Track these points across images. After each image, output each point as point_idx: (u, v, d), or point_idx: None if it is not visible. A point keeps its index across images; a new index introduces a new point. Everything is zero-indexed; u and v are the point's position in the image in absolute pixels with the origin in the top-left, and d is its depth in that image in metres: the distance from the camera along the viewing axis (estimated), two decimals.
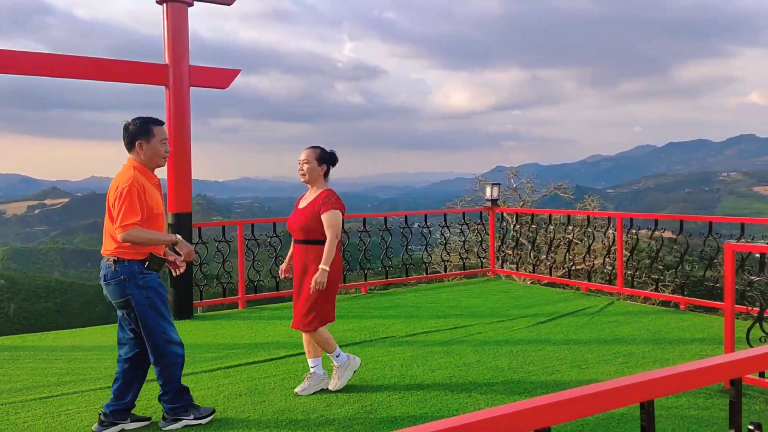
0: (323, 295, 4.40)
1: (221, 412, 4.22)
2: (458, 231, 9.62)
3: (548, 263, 9.04)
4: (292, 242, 4.66)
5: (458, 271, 9.58)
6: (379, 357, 5.39)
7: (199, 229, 7.52)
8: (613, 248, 7.73)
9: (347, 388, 4.59)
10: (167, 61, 7.00)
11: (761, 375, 4.16)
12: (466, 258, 9.48)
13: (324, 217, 4.35)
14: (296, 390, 4.56)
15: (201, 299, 7.56)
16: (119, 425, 3.96)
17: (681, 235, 6.97)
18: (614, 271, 7.69)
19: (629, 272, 7.50)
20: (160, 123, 3.96)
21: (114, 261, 3.78)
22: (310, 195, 4.56)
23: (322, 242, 4.37)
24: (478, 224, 9.58)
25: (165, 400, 3.96)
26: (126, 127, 3.89)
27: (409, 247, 8.98)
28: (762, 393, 4.24)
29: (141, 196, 3.71)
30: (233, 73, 7.45)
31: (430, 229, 9.14)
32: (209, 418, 4.02)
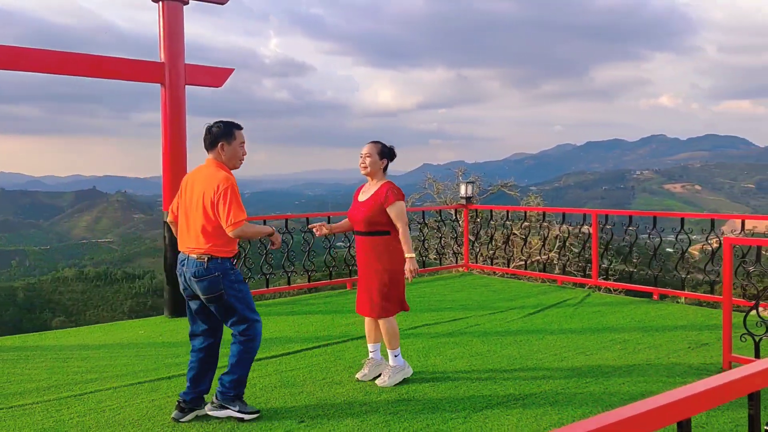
0: (398, 282, 4.66)
1: (263, 403, 4.37)
2: (435, 228, 9.95)
3: (506, 257, 9.63)
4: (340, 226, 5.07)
5: (436, 267, 9.92)
6: None
7: None
8: (588, 244, 8.26)
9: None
10: (163, 59, 7.00)
11: (756, 355, 4.69)
12: (442, 254, 9.85)
13: (391, 210, 4.56)
14: (357, 376, 4.81)
15: None
16: (196, 411, 4.13)
17: (655, 230, 7.56)
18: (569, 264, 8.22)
19: (604, 265, 8.05)
20: (241, 127, 4.15)
21: (207, 259, 3.97)
22: (370, 188, 4.74)
23: (384, 233, 4.60)
24: (453, 221, 10.00)
25: (224, 383, 4.07)
26: (209, 129, 4.08)
27: None
28: None
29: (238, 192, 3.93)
30: (227, 72, 7.51)
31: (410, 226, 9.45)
32: (253, 416, 4.09)
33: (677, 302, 7.86)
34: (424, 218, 9.78)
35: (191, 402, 4.11)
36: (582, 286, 8.51)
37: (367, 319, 4.91)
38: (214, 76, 7.41)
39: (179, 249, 4.22)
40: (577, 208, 8.88)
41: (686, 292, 7.42)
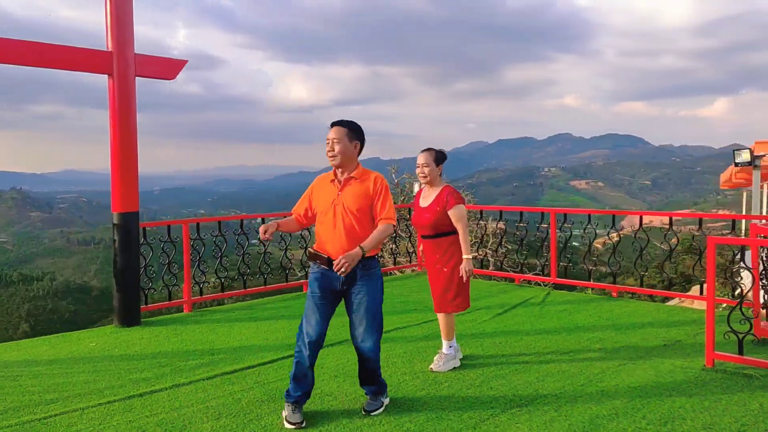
0: (464, 281, 4.93)
1: (255, 419, 4.07)
2: None
3: None
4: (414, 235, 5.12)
5: (389, 267, 9.77)
6: None
7: (144, 229, 7.02)
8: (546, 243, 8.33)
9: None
10: (110, 48, 6.46)
11: (740, 352, 4.81)
12: (396, 253, 9.71)
13: (452, 213, 4.81)
14: (432, 367, 4.99)
15: (146, 304, 7.07)
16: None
17: (613, 229, 7.71)
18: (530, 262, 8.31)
19: (563, 263, 8.14)
20: (331, 125, 4.06)
21: None
22: (430, 193, 4.98)
23: (450, 233, 4.88)
24: (407, 220, 9.88)
25: (375, 383, 4.17)
26: None
27: None
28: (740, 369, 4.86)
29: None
30: (180, 64, 7.03)
31: None
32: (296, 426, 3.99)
33: (633, 298, 8.04)
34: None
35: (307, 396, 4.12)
36: (539, 284, 8.57)
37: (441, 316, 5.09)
38: (167, 67, 6.92)
39: None
40: (536, 207, 8.97)
41: (656, 290, 7.62)
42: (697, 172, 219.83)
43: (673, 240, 7.49)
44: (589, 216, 8.04)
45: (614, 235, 7.99)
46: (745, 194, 19.45)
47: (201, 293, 7.54)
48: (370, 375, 4.15)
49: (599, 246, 13.17)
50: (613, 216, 8.04)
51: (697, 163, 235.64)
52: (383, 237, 3.97)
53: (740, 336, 4.85)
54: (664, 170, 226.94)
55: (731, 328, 4.89)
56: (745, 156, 9.79)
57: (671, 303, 10.65)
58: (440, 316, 5.11)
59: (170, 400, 4.44)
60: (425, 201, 5.01)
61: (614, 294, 7.71)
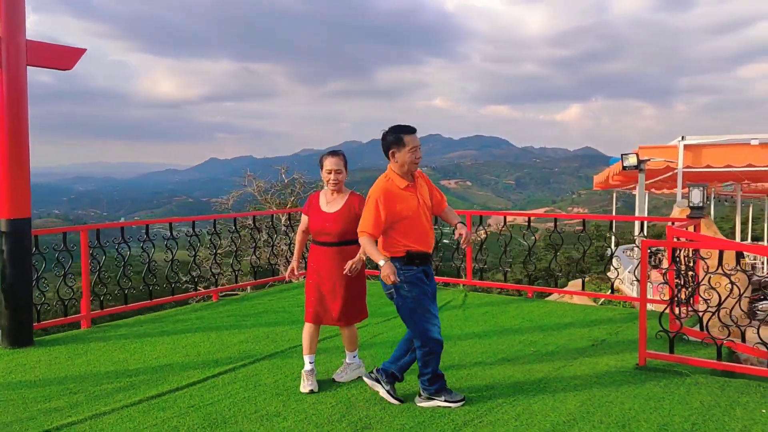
0: (364, 290, 4.79)
1: None
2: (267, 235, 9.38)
3: None
4: (309, 243, 4.88)
5: (267, 278, 9.17)
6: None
7: (36, 237, 6.24)
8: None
9: (334, 392, 4.35)
10: None
11: (671, 351, 5.03)
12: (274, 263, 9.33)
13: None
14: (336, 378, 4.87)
15: (38, 321, 6.30)
16: (379, 385, 4.42)
17: (529, 231, 7.89)
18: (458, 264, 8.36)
19: (477, 265, 8.23)
20: (411, 131, 4.26)
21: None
22: (336, 199, 4.69)
23: (356, 242, 4.44)
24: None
25: (423, 381, 4.31)
26: (383, 137, 4.29)
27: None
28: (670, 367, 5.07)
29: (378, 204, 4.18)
30: (79, 53, 6.31)
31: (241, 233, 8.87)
32: (461, 404, 4.27)
33: (547, 299, 8.30)
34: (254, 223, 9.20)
35: (380, 372, 4.46)
36: (455, 286, 8.61)
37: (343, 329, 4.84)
38: (63, 56, 6.19)
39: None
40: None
41: (574, 290, 7.86)
42: (555, 172, 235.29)
43: (533, 237, 8.19)
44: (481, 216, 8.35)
45: (482, 232, 8.42)
46: (615, 195, 20.89)
47: (102, 306, 6.84)
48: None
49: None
50: (481, 217, 8.65)
51: (555, 164, 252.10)
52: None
53: (671, 335, 5.07)
54: (526, 170, 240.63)
55: (662, 327, 5.11)
56: (632, 160, 10.44)
57: (550, 299, 11.18)
58: (352, 328, 4.81)
59: None
60: (331, 207, 4.68)
61: (529, 295, 7.90)
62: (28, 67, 5.88)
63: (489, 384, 4.75)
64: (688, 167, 10.54)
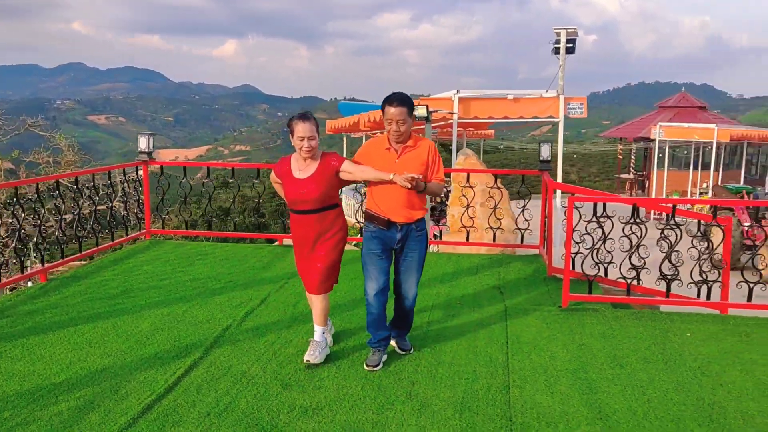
0: (341, 255, 4.65)
1: None
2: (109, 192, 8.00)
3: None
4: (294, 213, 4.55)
5: (108, 243, 7.91)
6: (239, 363, 4.74)
7: None
8: None
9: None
10: None
11: (589, 291, 5.88)
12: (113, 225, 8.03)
13: (346, 165, 4.43)
14: (307, 357, 4.49)
15: None
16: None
17: None
18: None
19: None
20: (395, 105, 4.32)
21: None
22: (309, 165, 4.45)
23: (335, 206, 4.53)
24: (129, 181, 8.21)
25: (409, 324, 4.81)
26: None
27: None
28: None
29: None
30: None
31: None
32: (371, 368, 4.46)
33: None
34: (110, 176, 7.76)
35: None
36: None
37: (319, 298, 4.63)
38: None
39: None
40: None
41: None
42: (216, 109, 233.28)
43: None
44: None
45: None
46: (345, 139, 21.89)
47: None
48: (408, 315, 4.71)
49: None
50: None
51: (214, 101, 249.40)
52: (438, 190, 4.49)
53: (591, 278, 5.92)
54: (185, 107, 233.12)
55: (584, 272, 5.93)
56: (421, 111, 11.20)
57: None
58: (318, 299, 4.60)
59: None
60: (303, 173, 4.43)
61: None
62: None
63: (439, 346, 4.96)
64: (460, 118, 11.80)
